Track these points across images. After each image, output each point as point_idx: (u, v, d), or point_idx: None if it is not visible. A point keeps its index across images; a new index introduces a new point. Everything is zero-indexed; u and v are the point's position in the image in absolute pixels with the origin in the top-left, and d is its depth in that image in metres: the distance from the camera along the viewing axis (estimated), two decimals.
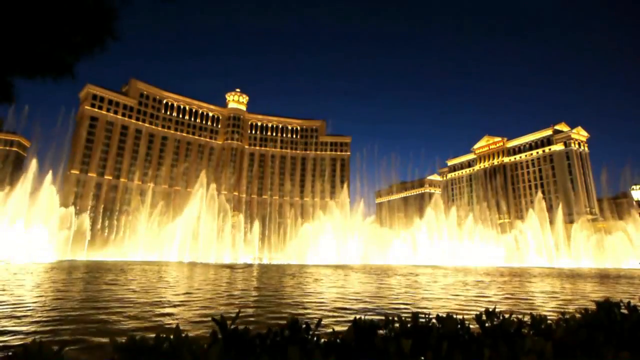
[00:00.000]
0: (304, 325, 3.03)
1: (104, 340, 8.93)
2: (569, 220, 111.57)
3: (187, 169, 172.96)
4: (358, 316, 3.24)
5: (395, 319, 3.33)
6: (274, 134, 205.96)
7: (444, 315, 3.34)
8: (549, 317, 3.70)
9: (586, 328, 3.20)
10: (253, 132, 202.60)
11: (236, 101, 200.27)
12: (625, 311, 3.95)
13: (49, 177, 76.41)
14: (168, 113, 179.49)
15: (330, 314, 13.38)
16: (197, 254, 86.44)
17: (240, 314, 3.18)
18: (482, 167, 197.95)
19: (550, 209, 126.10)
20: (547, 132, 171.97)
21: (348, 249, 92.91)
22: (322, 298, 18.23)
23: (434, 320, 3.32)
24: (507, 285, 27.61)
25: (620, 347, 3.00)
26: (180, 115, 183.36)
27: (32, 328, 10.27)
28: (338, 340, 2.93)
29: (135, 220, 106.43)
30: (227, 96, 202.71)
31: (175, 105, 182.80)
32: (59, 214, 78.84)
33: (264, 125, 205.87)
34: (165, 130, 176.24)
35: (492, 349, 2.81)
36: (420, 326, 3.19)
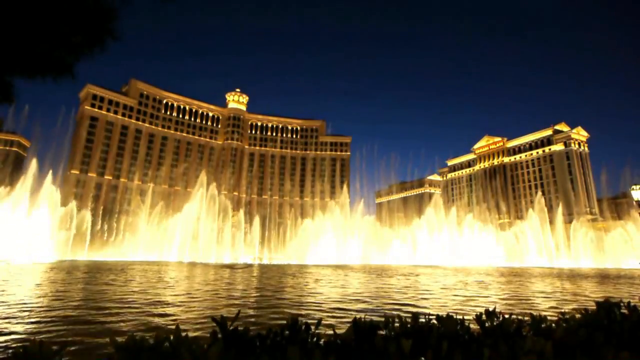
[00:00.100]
0: (303, 326, 3.03)
1: (104, 340, 8.93)
2: (569, 220, 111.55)
3: (187, 169, 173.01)
4: (358, 316, 3.24)
5: (395, 319, 3.33)
6: (274, 134, 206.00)
7: (444, 315, 3.34)
8: (549, 317, 3.70)
9: (586, 328, 3.20)
10: (253, 132, 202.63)
11: (236, 101, 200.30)
12: (625, 311, 3.95)
13: (49, 177, 76.45)
14: (168, 113, 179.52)
15: (330, 314, 13.38)
16: (197, 254, 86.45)
17: (240, 314, 3.18)
18: (482, 167, 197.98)
19: (550, 209, 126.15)
20: (547, 132, 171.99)
21: (348, 249, 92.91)
22: (322, 298, 18.23)
23: (434, 320, 3.32)
24: (507, 285, 27.61)
25: (620, 347, 3.00)
26: (180, 115, 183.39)
27: (31, 328, 10.27)
28: (338, 341, 2.93)
29: (135, 221, 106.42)
30: (227, 96, 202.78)
31: (175, 105, 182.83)
32: (59, 214, 78.86)
33: (264, 125, 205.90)
34: (165, 130, 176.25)
35: (492, 349, 2.81)
36: (420, 326, 3.19)
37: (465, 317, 3.37)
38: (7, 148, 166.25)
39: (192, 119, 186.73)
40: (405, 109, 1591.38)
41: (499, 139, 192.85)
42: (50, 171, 78.09)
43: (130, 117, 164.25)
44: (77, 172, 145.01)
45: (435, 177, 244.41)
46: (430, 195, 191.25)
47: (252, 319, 12.15)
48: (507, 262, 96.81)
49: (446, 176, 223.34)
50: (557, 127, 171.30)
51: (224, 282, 27.79)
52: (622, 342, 3.22)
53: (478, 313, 3.60)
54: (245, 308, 14.66)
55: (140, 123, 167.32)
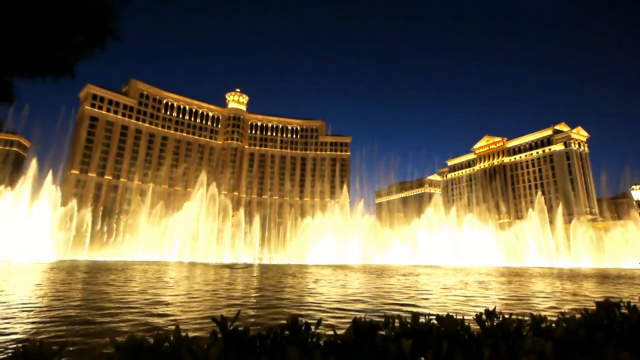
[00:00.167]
0: (304, 326, 3.03)
1: (104, 340, 8.93)
2: (569, 220, 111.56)
3: (187, 169, 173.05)
4: (358, 316, 3.24)
5: (395, 319, 3.33)
6: (274, 134, 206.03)
7: (444, 315, 3.34)
8: (549, 317, 3.70)
9: (586, 328, 3.20)
10: (253, 132, 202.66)
11: (236, 101, 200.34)
12: (625, 311, 3.95)
13: (49, 177, 76.46)
14: (168, 113, 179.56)
15: (330, 314, 13.38)
16: (197, 254, 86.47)
17: (240, 314, 3.18)
18: (482, 167, 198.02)
19: (550, 209, 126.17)
20: (547, 132, 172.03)
21: (348, 249, 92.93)
22: (322, 298, 18.23)
23: (434, 320, 3.32)
24: (507, 285, 27.61)
25: (620, 347, 3.00)
26: (180, 115, 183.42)
27: (31, 329, 10.27)
28: (338, 341, 2.93)
29: (135, 221, 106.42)
30: (227, 96, 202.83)
31: (175, 105, 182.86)
32: (59, 214, 78.88)
33: (264, 125, 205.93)
34: (165, 130, 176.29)
35: (492, 349, 2.81)
36: (420, 326, 3.19)
37: (465, 317, 3.37)
38: (7, 148, 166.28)
39: (192, 119, 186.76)
40: (405, 109, 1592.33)
41: (499, 139, 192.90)
42: (50, 171, 78.16)
43: (130, 117, 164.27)
44: (77, 172, 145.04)
45: (435, 177, 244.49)
46: (430, 195, 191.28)
47: (252, 319, 12.15)
48: (507, 262, 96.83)
49: (446, 176, 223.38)
50: (557, 127, 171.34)
51: (224, 282, 27.79)
52: (622, 342, 3.23)
53: (478, 313, 3.60)
54: (245, 308, 14.66)
55: (140, 123, 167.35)
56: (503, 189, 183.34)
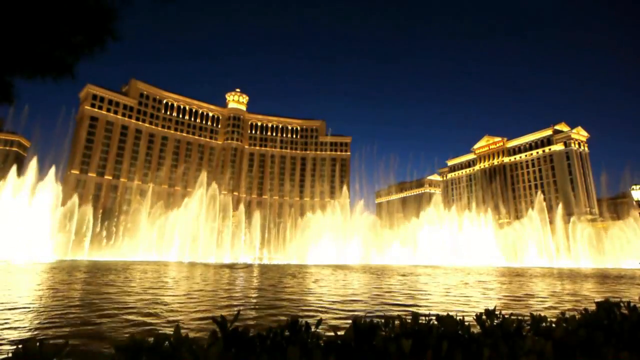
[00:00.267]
0: (304, 326, 3.03)
1: (104, 341, 8.94)
2: (569, 220, 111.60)
3: (187, 169, 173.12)
4: (358, 316, 3.24)
5: (395, 319, 3.33)
6: (274, 134, 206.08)
7: (444, 315, 3.34)
8: (549, 317, 3.70)
9: (586, 328, 3.20)
10: (253, 132, 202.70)
11: (236, 101, 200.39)
12: (625, 311, 3.95)
13: (49, 177, 76.44)
14: (168, 113, 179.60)
15: (331, 314, 13.38)
16: (197, 254, 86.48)
17: (240, 314, 3.18)
18: (482, 167, 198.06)
19: (550, 209, 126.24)
20: (547, 132, 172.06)
21: (348, 249, 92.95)
22: (322, 298, 18.23)
23: (434, 320, 3.33)
24: (508, 285, 27.62)
25: (620, 347, 3.00)
26: (180, 115, 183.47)
27: (31, 329, 10.27)
28: (338, 341, 2.93)
29: (135, 221, 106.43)
30: (227, 96, 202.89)
31: (175, 105, 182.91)
32: (59, 214, 78.89)
33: (264, 125, 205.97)
34: (165, 130, 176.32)
35: (492, 349, 2.82)
36: (420, 326, 3.19)
37: (465, 317, 3.37)
38: (7, 148, 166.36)
39: (192, 119, 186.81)
40: (405, 109, 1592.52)
41: (499, 139, 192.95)
42: (50, 171, 78.12)
43: (130, 117, 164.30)
44: (77, 172, 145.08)
45: (435, 177, 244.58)
46: (430, 195, 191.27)
47: (252, 319, 12.15)
48: (507, 262, 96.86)
49: (446, 176, 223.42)
50: (557, 127, 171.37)
51: (224, 282, 27.79)
52: (622, 342, 3.23)
53: (478, 313, 3.60)
54: (245, 308, 14.66)
55: (140, 123, 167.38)
56: (503, 189, 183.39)
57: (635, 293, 22.51)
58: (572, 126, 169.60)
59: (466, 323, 3.30)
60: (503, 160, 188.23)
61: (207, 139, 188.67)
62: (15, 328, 10.14)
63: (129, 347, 2.50)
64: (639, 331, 3.36)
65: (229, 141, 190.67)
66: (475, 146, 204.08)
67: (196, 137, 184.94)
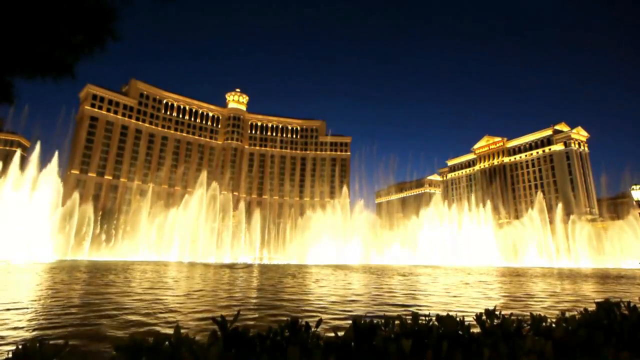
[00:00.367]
0: (304, 326, 3.03)
1: (104, 341, 8.94)
2: (569, 220, 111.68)
3: (187, 169, 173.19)
4: (358, 316, 3.25)
5: (396, 319, 3.33)
6: (274, 134, 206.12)
7: (444, 315, 3.34)
8: (549, 317, 3.70)
9: (586, 328, 3.20)
10: (253, 132, 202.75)
11: (236, 101, 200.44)
12: (625, 311, 3.95)
13: (49, 177, 76.37)
14: (168, 113, 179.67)
15: (331, 314, 13.38)
16: (197, 254, 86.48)
17: (240, 314, 3.19)
18: (482, 167, 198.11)
19: (550, 209, 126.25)
20: (547, 132, 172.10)
21: (348, 249, 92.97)
22: (322, 298, 18.23)
23: (434, 320, 3.32)
24: (508, 285, 27.62)
25: (620, 347, 3.00)
26: (180, 115, 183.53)
27: (31, 329, 10.27)
28: (338, 341, 2.93)
29: (135, 221, 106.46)
30: (227, 96, 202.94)
31: (175, 105, 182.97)
32: (59, 214, 78.86)
33: (264, 125, 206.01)
34: (165, 130, 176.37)
35: (492, 349, 2.82)
36: (420, 326, 3.19)
37: (465, 317, 3.37)
38: (7, 148, 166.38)
39: (192, 119, 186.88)
40: (405, 109, 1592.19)
41: (499, 139, 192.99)
42: (51, 170, 78.01)
43: (130, 117, 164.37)
44: (77, 172, 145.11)
45: (435, 177, 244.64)
46: (430, 195, 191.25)
47: (252, 319, 12.15)
48: (507, 262, 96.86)
49: (446, 176, 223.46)
50: (557, 127, 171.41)
51: (224, 282, 27.80)
52: (622, 342, 3.22)
53: (478, 313, 3.60)
54: (245, 308, 14.66)
55: (140, 123, 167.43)
56: (503, 189, 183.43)
57: (636, 293, 22.51)
58: (572, 126, 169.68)
59: (466, 323, 3.30)
60: (503, 160, 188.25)
61: (207, 139, 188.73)
62: (14, 328, 10.14)
63: (129, 347, 2.50)
64: (639, 331, 3.36)
65: (229, 141, 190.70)
66: (475, 146, 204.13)
67: (196, 137, 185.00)
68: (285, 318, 3.69)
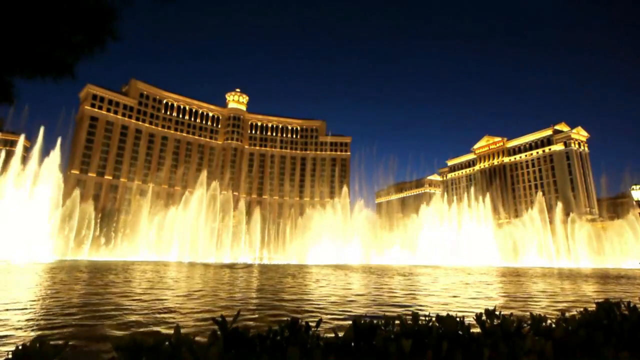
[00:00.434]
0: (303, 326, 3.03)
1: (104, 341, 8.94)
2: (569, 220, 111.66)
3: (187, 169, 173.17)
4: (358, 316, 3.25)
5: (395, 319, 3.33)
6: (274, 134, 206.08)
7: (444, 315, 3.34)
8: (549, 317, 3.70)
9: (586, 328, 3.20)
10: (253, 132, 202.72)
11: (236, 101, 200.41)
12: (625, 311, 3.95)
13: (49, 177, 76.35)
14: (168, 113, 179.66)
15: (331, 314, 13.38)
16: (196, 254, 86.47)
17: (240, 315, 3.19)
18: (482, 167, 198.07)
19: (550, 209, 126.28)
20: (547, 132, 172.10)
21: (348, 249, 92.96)
22: (322, 298, 18.22)
23: (434, 320, 3.33)
24: (508, 285, 27.62)
25: (620, 347, 3.00)
26: (180, 115, 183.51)
27: (30, 329, 10.27)
28: (338, 341, 2.93)
29: (135, 221, 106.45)
30: (227, 96, 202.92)
31: (175, 105, 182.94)
32: (59, 214, 78.83)
33: (264, 125, 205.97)
34: (165, 130, 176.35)
35: (492, 349, 2.82)
36: (420, 326, 3.19)
37: (465, 317, 3.37)
38: (7, 148, 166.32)
39: (192, 119, 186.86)
40: (405, 110, 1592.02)
41: (499, 139, 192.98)
42: (51, 171, 77.99)
43: (130, 117, 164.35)
44: (77, 172, 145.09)
45: (435, 177, 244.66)
46: (430, 195, 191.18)
47: (252, 319, 12.15)
48: (507, 262, 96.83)
49: (446, 176, 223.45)
50: (557, 127, 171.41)
51: (224, 282, 27.79)
52: (622, 342, 3.22)
53: (478, 313, 3.60)
54: (245, 308, 14.66)
55: (140, 123, 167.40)
56: (503, 189, 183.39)
57: (636, 293, 22.51)
58: (572, 126, 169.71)
59: (466, 323, 3.30)
60: (503, 161, 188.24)
61: (207, 139, 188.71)
62: (14, 328, 10.14)
63: (129, 347, 2.50)
64: (639, 331, 3.36)
65: (229, 141, 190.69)
66: (475, 146, 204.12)
67: (196, 137, 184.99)
68: (285, 318, 3.69)
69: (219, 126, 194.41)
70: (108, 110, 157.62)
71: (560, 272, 52.77)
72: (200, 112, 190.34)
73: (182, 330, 2.71)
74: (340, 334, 3.01)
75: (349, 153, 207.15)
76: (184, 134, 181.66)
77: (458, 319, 3.30)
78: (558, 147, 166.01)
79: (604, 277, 41.39)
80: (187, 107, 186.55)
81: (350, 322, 3.09)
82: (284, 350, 2.63)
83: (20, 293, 18.16)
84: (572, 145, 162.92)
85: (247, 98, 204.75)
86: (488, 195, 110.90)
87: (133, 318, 12.01)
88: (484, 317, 3.56)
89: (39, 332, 9.75)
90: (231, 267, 53.99)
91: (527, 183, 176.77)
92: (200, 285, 24.09)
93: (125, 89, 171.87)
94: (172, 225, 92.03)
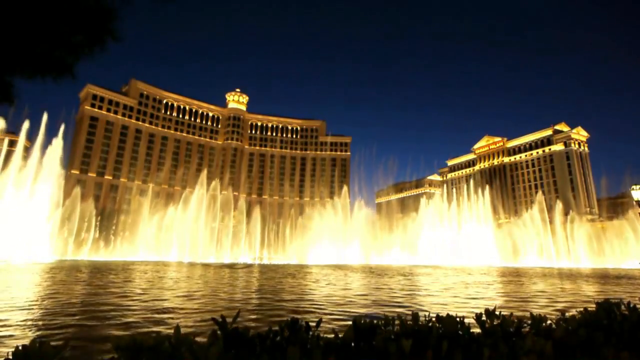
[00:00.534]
0: (303, 326, 3.03)
1: (104, 341, 8.94)
2: (569, 220, 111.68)
3: (187, 169, 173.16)
4: (358, 316, 3.24)
5: (396, 319, 3.33)
6: (274, 134, 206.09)
7: (444, 315, 3.34)
8: (549, 317, 3.70)
9: (586, 328, 3.21)
10: (253, 132, 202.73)
11: (236, 101, 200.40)
12: (625, 311, 3.95)
13: (49, 177, 76.35)
14: (168, 113, 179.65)
15: (331, 314, 13.38)
16: (196, 254, 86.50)
17: (240, 314, 3.19)
18: (482, 167, 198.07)
19: (550, 209, 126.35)
20: (547, 132, 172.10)
21: (348, 249, 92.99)
22: (322, 298, 18.22)
23: (434, 320, 3.33)
24: (508, 285, 27.62)
25: (620, 347, 3.01)
26: (180, 115, 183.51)
27: (30, 329, 10.27)
28: (338, 341, 2.93)
29: (135, 221, 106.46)
30: (227, 96, 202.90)
31: (175, 105, 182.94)
32: (59, 214, 78.86)
33: (264, 125, 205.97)
34: (165, 130, 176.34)
35: (492, 349, 2.82)
36: (420, 326, 3.19)
37: (465, 317, 3.37)
38: (7, 148, 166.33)
39: (192, 119, 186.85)
40: (405, 111, 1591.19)
41: (499, 139, 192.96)
42: (51, 171, 77.99)
43: (130, 117, 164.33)
44: (77, 172, 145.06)
45: (435, 177, 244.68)
46: (430, 195, 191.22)
47: (252, 319, 12.15)
48: (507, 262, 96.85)
49: (446, 176, 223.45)
50: (557, 127, 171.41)
51: (224, 282, 27.80)
52: (622, 342, 3.23)
53: (478, 313, 3.60)
54: (245, 308, 14.66)
55: (140, 123, 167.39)
56: (503, 189, 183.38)
57: (636, 293, 22.52)
58: (572, 126, 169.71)
59: (466, 323, 3.30)
60: (503, 161, 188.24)
61: (207, 139, 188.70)
62: (14, 328, 10.14)
63: (129, 347, 2.50)
64: (639, 331, 3.36)
65: (229, 141, 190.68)
66: (475, 146, 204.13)
67: (196, 137, 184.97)
68: (285, 318, 3.69)
69: (219, 126, 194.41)
70: (108, 110, 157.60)
71: (560, 272, 52.77)
72: (200, 112, 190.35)
73: (182, 330, 2.71)
74: (341, 334, 3.01)
75: (349, 153, 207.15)
76: (184, 134, 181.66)
77: (458, 319, 3.30)
78: (558, 147, 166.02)
79: (604, 277, 41.39)
80: (187, 107, 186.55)
81: (350, 322, 3.09)
82: (284, 350, 2.63)
83: (20, 293, 18.16)
84: (572, 145, 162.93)
85: (247, 98, 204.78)
86: (488, 195, 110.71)
87: (133, 318, 12.01)
88: (484, 317, 3.56)
89: (39, 332, 9.75)
90: (231, 267, 53.99)
91: (527, 183, 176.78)
92: (200, 286, 24.10)
93: (125, 89, 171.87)
94: (172, 226, 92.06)
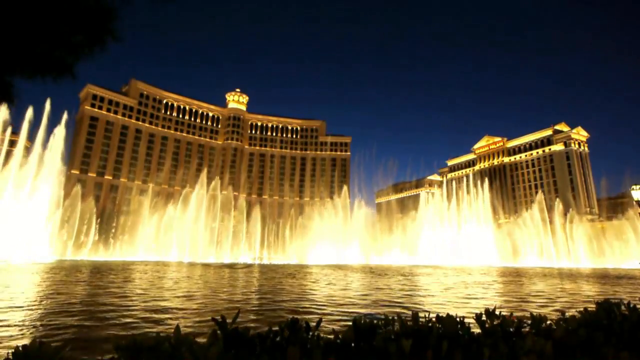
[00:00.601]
0: (303, 326, 3.03)
1: (104, 341, 8.94)
2: (569, 220, 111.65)
3: (187, 169, 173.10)
4: (358, 316, 3.24)
5: (396, 319, 3.33)
6: (274, 134, 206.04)
7: (444, 315, 3.34)
8: (549, 317, 3.70)
9: (586, 328, 3.20)
10: (253, 132, 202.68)
11: (236, 101, 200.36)
12: (625, 311, 3.95)
13: (49, 177, 76.34)
14: (168, 113, 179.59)
15: (331, 314, 13.38)
16: (196, 254, 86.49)
17: (240, 314, 3.19)
18: (482, 167, 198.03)
19: (550, 209, 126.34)
20: (547, 132, 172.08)
21: (348, 249, 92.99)
22: (322, 298, 18.22)
23: (434, 320, 3.32)
24: (508, 285, 27.62)
25: (620, 347, 3.00)
26: (180, 115, 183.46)
27: (30, 329, 10.27)
28: (338, 341, 2.93)
29: (135, 221, 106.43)
30: (227, 96, 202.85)
31: (175, 105, 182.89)
32: (59, 214, 78.85)
33: (264, 125, 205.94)
34: (165, 130, 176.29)
35: (492, 349, 2.82)
36: (420, 326, 3.19)
37: (465, 317, 3.37)
38: (7, 148, 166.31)
39: (192, 119, 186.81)
40: (405, 112, 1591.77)
41: (499, 139, 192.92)
42: (51, 171, 77.98)
43: (130, 117, 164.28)
44: (77, 172, 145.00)
45: (435, 177, 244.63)
46: (431, 195, 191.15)
47: (252, 320, 12.15)
48: (507, 262, 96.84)
49: (446, 176, 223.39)
50: (557, 127, 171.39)
51: (224, 282, 27.79)
52: (622, 342, 3.22)
53: (478, 313, 3.60)
54: (245, 308, 14.66)
55: (140, 123, 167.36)
56: (503, 189, 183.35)
57: (636, 293, 22.51)
58: (572, 126, 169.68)
59: (466, 323, 3.30)
60: (503, 161, 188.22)
61: (207, 139, 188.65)
62: (14, 328, 10.14)
63: (129, 347, 2.50)
64: (639, 331, 3.36)
65: (229, 141, 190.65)
66: (475, 146, 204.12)
67: (196, 137, 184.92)
68: (285, 318, 3.69)
69: (219, 126, 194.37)
70: (108, 110, 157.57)
71: (560, 272, 52.77)
72: (200, 112, 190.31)
73: (182, 331, 2.71)
74: (341, 334, 3.01)
75: (348, 153, 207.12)
76: (184, 134, 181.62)
77: (458, 319, 3.29)
78: (558, 147, 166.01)
79: (604, 277, 41.39)
80: (187, 107, 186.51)
81: (351, 322, 3.09)
82: (284, 350, 2.63)
83: (20, 293, 18.16)
84: (572, 145, 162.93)
85: (247, 98, 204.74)
86: (488, 195, 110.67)
87: (133, 318, 12.01)
88: (483, 317, 3.56)
89: (39, 333, 9.74)
90: (231, 267, 53.98)
91: (527, 183, 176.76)
92: (200, 286, 24.09)
93: (125, 89, 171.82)
94: (171, 226, 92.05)
